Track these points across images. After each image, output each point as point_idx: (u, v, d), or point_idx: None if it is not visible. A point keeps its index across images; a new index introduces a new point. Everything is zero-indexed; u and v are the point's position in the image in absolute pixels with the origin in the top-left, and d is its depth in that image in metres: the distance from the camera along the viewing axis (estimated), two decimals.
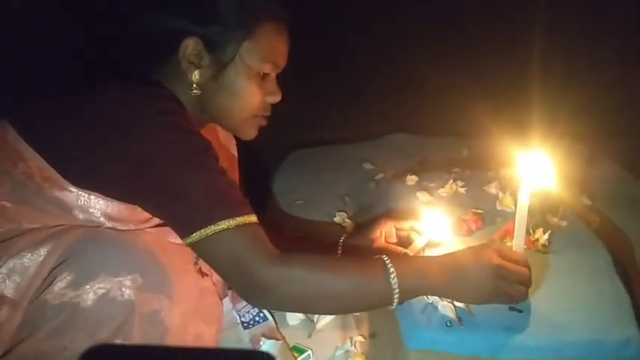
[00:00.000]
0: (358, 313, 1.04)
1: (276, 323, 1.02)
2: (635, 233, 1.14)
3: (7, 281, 0.74)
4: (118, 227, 0.81)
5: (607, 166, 1.44)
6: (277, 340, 0.97)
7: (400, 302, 0.80)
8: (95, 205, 0.80)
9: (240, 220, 0.76)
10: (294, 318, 1.03)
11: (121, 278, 0.75)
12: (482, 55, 1.91)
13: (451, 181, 1.24)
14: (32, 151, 0.77)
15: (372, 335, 0.99)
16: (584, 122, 1.48)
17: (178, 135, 0.77)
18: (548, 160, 0.83)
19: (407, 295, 0.81)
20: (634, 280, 0.99)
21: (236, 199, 0.79)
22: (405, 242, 1.03)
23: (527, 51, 1.73)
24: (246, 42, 0.84)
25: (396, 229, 1.05)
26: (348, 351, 0.96)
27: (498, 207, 1.16)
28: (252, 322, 1.01)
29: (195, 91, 0.85)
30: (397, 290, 0.78)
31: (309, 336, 1.00)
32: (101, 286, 0.74)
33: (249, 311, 1.03)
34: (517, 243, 0.87)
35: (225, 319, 1.01)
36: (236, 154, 1.09)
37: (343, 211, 1.34)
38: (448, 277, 0.81)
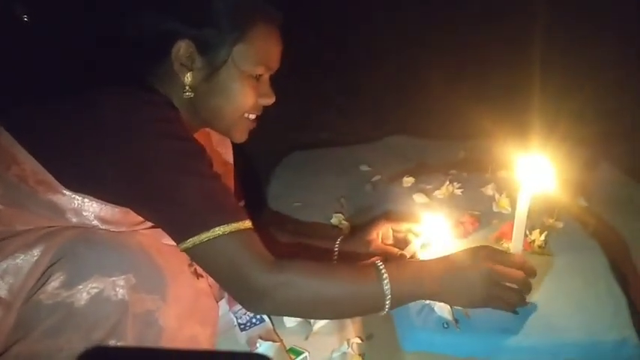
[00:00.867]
0: None
1: (273, 325, 1.02)
2: (632, 235, 1.14)
3: (0, 282, 0.74)
4: (112, 230, 0.81)
5: (605, 168, 1.44)
6: (274, 342, 0.97)
7: (393, 308, 0.81)
8: (89, 209, 0.79)
9: (235, 225, 0.76)
10: (291, 320, 1.03)
11: (114, 278, 0.75)
12: (481, 57, 1.92)
13: (448, 183, 1.24)
14: (26, 154, 0.77)
15: (369, 337, 0.99)
16: (582, 125, 1.49)
17: (173, 141, 0.77)
18: (548, 164, 0.83)
19: (401, 300, 0.82)
20: (630, 281, 0.99)
21: (231, 205, 0.79)
22: (401, 244, 1.03)
23: (527, 54, 1.74)
24: (238, 45, 0.84)
25: (393, 231, 1.05)
26: (344, 353, 0.96)
27: (495, 209, 1.16)
28: (249, 324, 1.01)
29: (187, 94, 0.85)
30: (389, 296, 0.79)
31: (306, 338, 1.00)
32: (94, 285, 0.74)
33: (245, 313, 1.03)
34: (515, 245, 0.87)
35: (222, 321, 1.01)
36: (231, 158, 1.09)
37: (340, 213, 1.34)
38: (442, 282, 0.81)
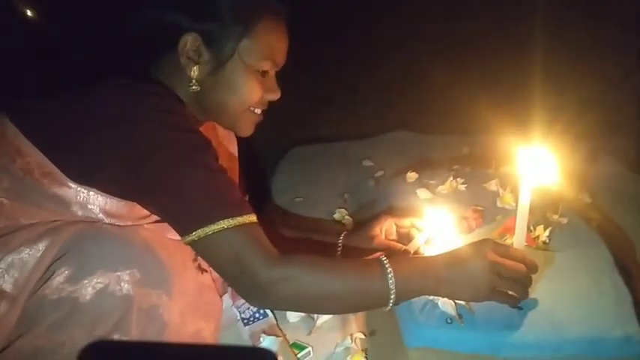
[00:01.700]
0: None
1: (276, 320, 1.02)
2: (636, 230, 1.14)
3: (5, 276, 0.74)
4: (117, 224, 0.81)
5: (608, 163, 1.44)
6: (277, 336, 0.97)
7: (397, 303, 0.81)
8: (94, 202, 0.79)
9: (240, 219, 0.76)
10: (294, 315, 1.03)
11: (119, 273, 0.75)
12: (483, 53, 1.91)
13: (451, 178, 1.24)
14: (32, 147, 0.77)
15: (372, 332, 0.99)
16: (585, 120, 1.48)
17: (178, 134, 0.77)
18: (550, 157, 0.83)
19: (405, 295, 0.82)
20: (634, 277, 0.99)
21: (236, 199, 0.79)
22: (405, 239, 1.03)
23: (528, 49, 1.73)
24: (245, 39, 0.83)
25: (396, 226, 1.05)
26: (347, 348, 0.96)
27: (498, 204, 1.16)
28: (252, 319, 1.01)
29: (194, 87, 0.85)
30: (394, 291, 0.79)
31: (310, 333, 1.00)
32: (99, 280, 0.74)
33: (249, 308, 1.03)
34: (518, 240, 0.87)
35: (225, 316, 1.01)
36: (236, 152, 1.09)
37: (343, 209, 1.34)
38: (446, 277, 0.81)
